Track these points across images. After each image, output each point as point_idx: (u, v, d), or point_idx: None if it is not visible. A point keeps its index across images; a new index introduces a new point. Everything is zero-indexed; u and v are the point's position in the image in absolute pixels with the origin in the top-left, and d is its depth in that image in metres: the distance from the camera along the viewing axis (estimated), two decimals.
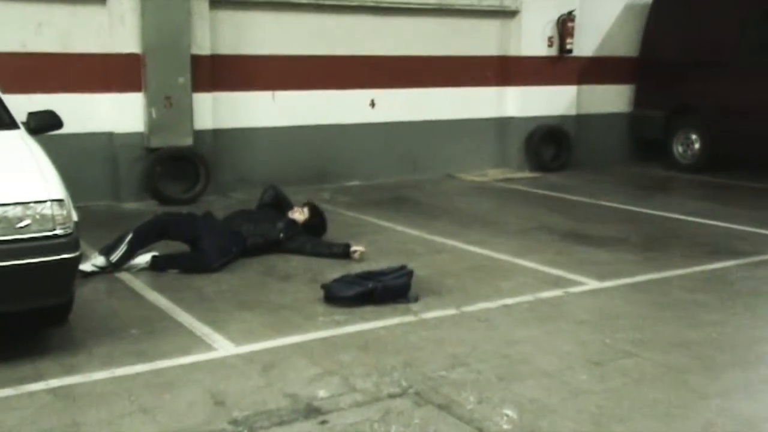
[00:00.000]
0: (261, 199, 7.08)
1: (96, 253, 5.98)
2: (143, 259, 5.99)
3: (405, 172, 10.68)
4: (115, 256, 5.90)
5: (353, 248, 6.42)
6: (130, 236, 5.99)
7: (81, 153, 8.60)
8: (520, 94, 11.27)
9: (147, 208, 8.50)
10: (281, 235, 6.54)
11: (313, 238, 6.66)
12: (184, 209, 7.49)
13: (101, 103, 8.67)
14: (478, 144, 11.24)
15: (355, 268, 5.91)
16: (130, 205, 8.72)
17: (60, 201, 4.14)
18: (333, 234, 7.08)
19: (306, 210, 6.88)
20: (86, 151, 8.66)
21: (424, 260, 6.44)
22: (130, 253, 5.96)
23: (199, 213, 6.71)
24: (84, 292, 5.38)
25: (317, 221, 6.88)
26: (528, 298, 5.49)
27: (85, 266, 5.77)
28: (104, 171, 8.81)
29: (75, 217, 4.27)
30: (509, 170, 11.32)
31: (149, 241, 6.09)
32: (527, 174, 11.16)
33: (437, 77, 10.74)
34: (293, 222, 6.70)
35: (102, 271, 5.86)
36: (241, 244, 6.34)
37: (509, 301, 5.42)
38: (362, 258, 6.35)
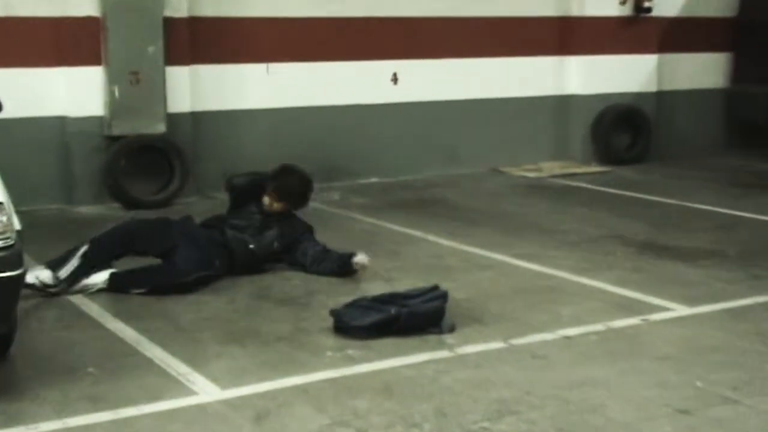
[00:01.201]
0: (230, 202, 6.93)
1: (41, 267, 6.01)
2: (100, 277, 6.02)
3: (437, 165, 10.70)
4: (64, 272, 5.94)
5: (355, 258, 6.43)
6: (84, 248, 6.02)
7: (24, 143, 8.69)
8: (585, 66, 11.26)
9: (108, 212, 8.57)
10: (275, 244, 6.55)
11: (316, 244, 6.66)
12: (155, 214, 7.49)
13: (50, 80, 8.76)
14: (530, 130, 11.24)
15: (373, 289, 5.91)
16: (87, 210, 8.80)
17: None
18: (344, 246, 7.13)
19: (273, 194, 6.62)
20: (31, 140, 8.75)
21: (461, 279, 6.43)
22: (84, 270, 5.99)
23: (175, 218, 6.71)
24: (29, 320, 5.41)
25: (294, 200, 6.70)
26: (596, 327, 5.47)
27: (29, 276, 5.79)
28: (54, 166, 8.90)
29: (17, 225, 4.30)
30: (571, 163, 11.31)
31: (110, 254, 6.12)
32: (594, 168, 11.15)
33: (478, 45, 10.76)
34: (288, 223, 6.67)
35: (45, 290, 5.89)
36: (225, 258, 6.36)
37: (571, 331, 5.40)
38: (363, 267, 6.40)
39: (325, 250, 6.59)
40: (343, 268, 6.44)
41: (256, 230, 6.54)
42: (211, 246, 6.33)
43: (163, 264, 6.19)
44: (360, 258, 6.45)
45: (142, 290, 5.99)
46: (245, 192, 6.73)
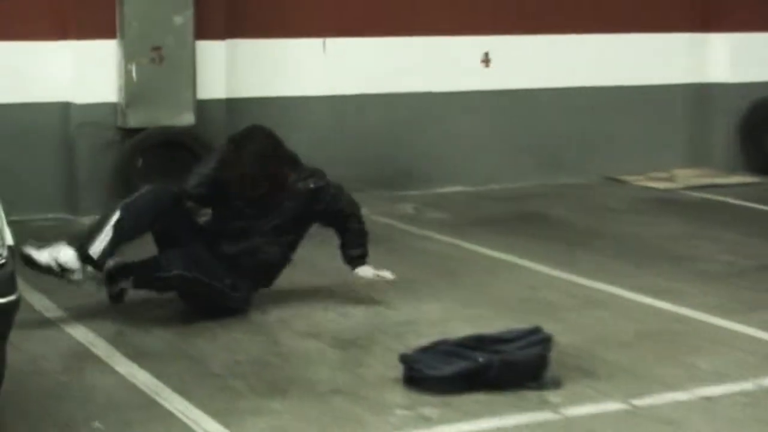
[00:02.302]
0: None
1: (62, 243, 6.04)
2: (72, 256, 5.99)
3: (538, 172, 10.66)
4: (95, 249, 5.96)
5: (358, 271, 6.52)
6: (116, 216, 6.08)
7: (17, 136, 8.81)
8: (732, 46, 11.18)
9: None
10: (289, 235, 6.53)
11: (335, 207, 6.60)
12: None
13: (52, 57, 8.88)
14: (658, 128, 11.15)
15: (456, 330, 5.88)
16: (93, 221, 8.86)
17: None
18: (415, 273, 7.12)
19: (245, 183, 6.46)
20: (26, 132, 8.87)
21: (568, 319, 6.38)
22: (117, 246, 6.04)
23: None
24: (17, 358, 5.45)
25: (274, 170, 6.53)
26: (743, 386, 5.38)
27: (41, 255, 5.90)
28: (54, 165, 9.01)
29: (10, 239, 4.34)
30: (711, 171, 11.21)
31: (145, 225, 6.19)
32: (741, 178, 11.04)
33: (589, 18, 10.72)
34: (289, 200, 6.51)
35: (63, 276, 5.95)
36: (250, 278, 6.42)
37: (711, 390, 5.31)
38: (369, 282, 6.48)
39: (343, 228, 6.62)
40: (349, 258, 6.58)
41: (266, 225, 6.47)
42: (229, 260, 6.36)
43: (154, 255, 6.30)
44: (365, 272, 6.53)
45: (127, 283, 6.12)
46: (208, 198, 6.62)
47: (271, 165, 6.49)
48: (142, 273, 6.12)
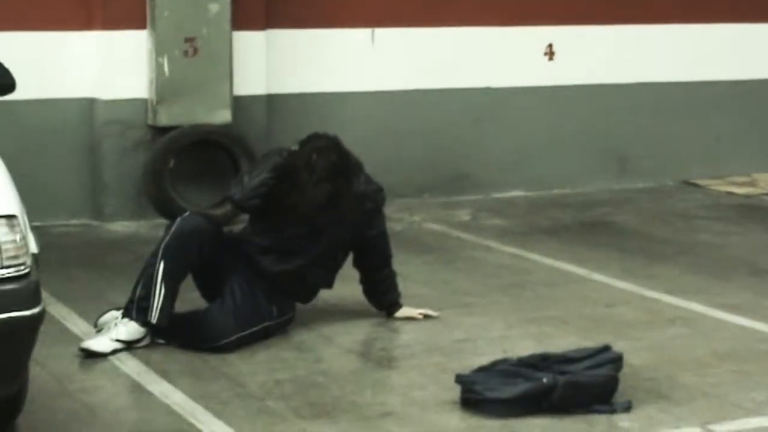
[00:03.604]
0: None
1: (116, 317, 6.08)
2: (134, 327, 6.06)
3: (607, 175, 10.66)
4: (155, 314, 5.99)
5: (413, 311, 6.59)
6: (161, 266, 6.07)
7: (39, 134, 8.88)
8: None
9: (149, 232, 8.63)
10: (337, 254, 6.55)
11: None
12: None
13: (76, 49, 8.94)
14: (740, 127, 11.10)
15: (518, 348, 5.89)
16: (121, 227, 8.93)
17: (10, 218, 4.25)
18: (472, 286, 7.12)
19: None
20: (48, 131, 8.94)
21: (642, 337, 6.36)
22: (173, 296, 6.07)
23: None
24: (42, 378, 5.50)
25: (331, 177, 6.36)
26: None
27: (100, 344, 5.92)
28: (78, 166, 9.06)
29: (34, 247, 4.38)
30: None
31: (188, 267, 6.20)
32: None
33: (662, 6, 10.69)
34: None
35: (130, 346, 5.99)
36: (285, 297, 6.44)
37: None
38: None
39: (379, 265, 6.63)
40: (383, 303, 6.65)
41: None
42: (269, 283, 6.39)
43: (202, 311, 6.28)
44: (405, 312, 6.61)
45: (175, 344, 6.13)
46: (261, 211, 6.51)
47: (339, 184, 6.37)
48: (193, 340, 6.09)
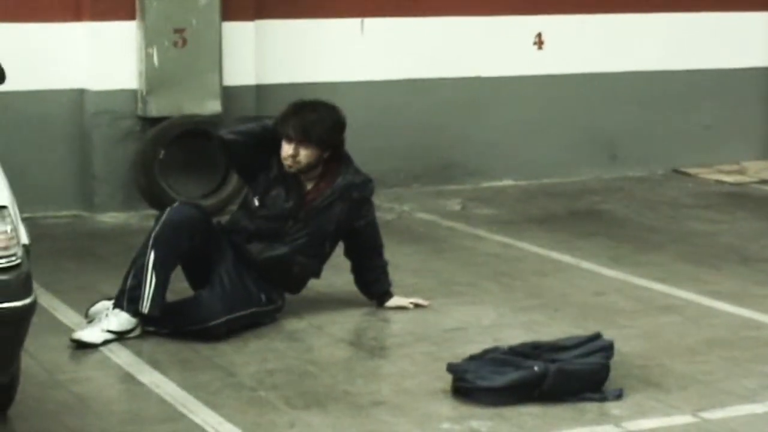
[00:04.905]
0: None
1: (107, 307, 6.09)
2: (124, 318, 6.06)
3: (596, 164, 10.66)
4: (146, 304, 6.00)
5: (389, 303, 6.58)
6: (152, 256, 6.09)
7: (29, 126, 8.86)
8: None
9: (139, 223, 8.66)
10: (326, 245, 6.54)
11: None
12: None
13: (66, 40, 8.92)
14: (729, 116, 11.10)
15: (509, 337, 5.91)
16: (111, 218, 8.93)
17: (1, 209, 4.26)
18: (463, 274, 7.11)
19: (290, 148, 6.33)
20: (37, 122, 8.91)
21: (632, 326, 6.37)
22: (164, 286, 6.07)
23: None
24: (32, 367, 5.49)
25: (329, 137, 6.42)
26: None
27: (91, 335, 5.92)
28: (68, 157, 9.05)
29: (25, 238, 4.38)
30: None
31: (178, 257, 6.20)
32: None
33: None
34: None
35: (121, 337, 5.99)
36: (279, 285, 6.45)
37: None
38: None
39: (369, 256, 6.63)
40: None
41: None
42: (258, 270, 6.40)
43: (190, 299, 6.29)
44: (396, 302, 6.61)
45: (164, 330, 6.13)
46: (247, 153, 6.47)
47: (336, 139, 6.43)
48: (182, 324, 6.09)
